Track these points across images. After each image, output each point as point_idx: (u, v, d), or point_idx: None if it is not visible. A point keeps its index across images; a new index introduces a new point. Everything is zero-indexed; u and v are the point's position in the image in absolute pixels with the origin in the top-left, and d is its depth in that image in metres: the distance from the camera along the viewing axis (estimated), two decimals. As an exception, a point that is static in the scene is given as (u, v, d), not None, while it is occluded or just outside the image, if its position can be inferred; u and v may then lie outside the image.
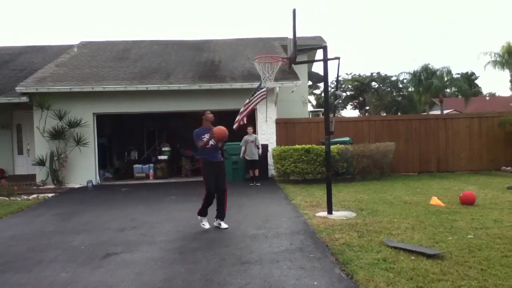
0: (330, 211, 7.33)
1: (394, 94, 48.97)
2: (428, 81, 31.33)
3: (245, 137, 12.26)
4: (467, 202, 7.77)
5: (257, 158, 12.21)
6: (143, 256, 5.33)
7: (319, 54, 17.45)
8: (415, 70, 32.67)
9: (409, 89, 39.89)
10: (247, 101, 11.91)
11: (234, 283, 4.26)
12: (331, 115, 7.56)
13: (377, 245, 5.30)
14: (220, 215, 6.80)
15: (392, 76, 47.78)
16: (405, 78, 36.52)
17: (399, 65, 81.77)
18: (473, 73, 46.00)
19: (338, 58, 7.17)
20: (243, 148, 12.23)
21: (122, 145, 16.71)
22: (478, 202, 7.91)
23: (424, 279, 4.06)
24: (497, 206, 7.60)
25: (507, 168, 13.58)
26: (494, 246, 5.08)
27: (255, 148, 12.13)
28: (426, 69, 32.23)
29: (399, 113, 40.05)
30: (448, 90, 39.00)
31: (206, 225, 6.76)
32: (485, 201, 8.15)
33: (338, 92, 7.02)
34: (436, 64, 62.71)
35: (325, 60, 7.14)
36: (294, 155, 11.79)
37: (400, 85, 46.19)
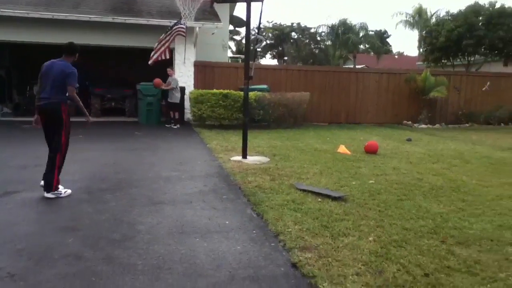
0: (244, 156, 7.43)
1: (312, 46, 49.85)
2: (346, 36, 32.29)
3: (169, 78, 11.99)
4: (371, 151, 8.34)
5: (176, 101, 12.02)
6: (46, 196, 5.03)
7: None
8: (333, 23, 33.43)
9: (327, 43, 40.86)
10: (162, 36, 11.33)
11: (145, 222, 4.20)
12: (251, 61, 7.48)
13: (287, 187, 5.52)
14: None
15: (311, 28, 48.43)
16: (323, 31, 37.22)
17: (318, 17, 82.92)
18: (385, 31, 48.13)
19: (261, 0, 7.02)
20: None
21: (24, 78, 15.23)
22: (380, 151, 8.52)
23: (328, 219, 4.32)
24: (397, 156, 8.25)
25: (408, 122, 14.74)
26: (392, 191, 5.54)
27: (176, 91, 11.93)
28: (344, 24, 33.08)
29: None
30: (361, 46, 40.63)
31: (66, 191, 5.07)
32: (387, 151, 8.80)
33: (259, 36, 6.92)
34: (354, 19, 64.39)
35: (248, 1, 6.95)
36: (211, 99, 11.65)
37: (318, 38, 47.07)
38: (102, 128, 11.60)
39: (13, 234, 3.81)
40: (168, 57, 11.64)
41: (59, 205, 4.71)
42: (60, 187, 5.06)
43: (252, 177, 6.03)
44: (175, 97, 11.97)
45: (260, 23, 7.90)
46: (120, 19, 12.46)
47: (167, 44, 11.26)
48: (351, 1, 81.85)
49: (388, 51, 50.26)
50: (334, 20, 35.99)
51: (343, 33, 32.98)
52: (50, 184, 4.95)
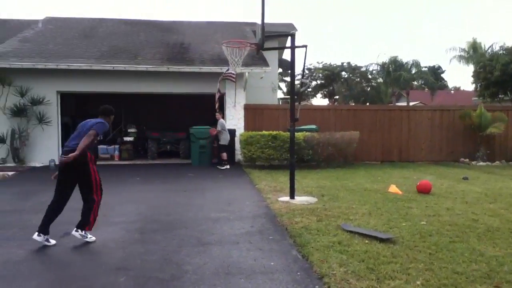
0: (292, 196, 7.48)
1: (364, 84, 49.67)
2: (397, 73, 32.00)
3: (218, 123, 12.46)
4: (424, 190, 8.09)
5: (225, 143, 12.44)
6: (103, 236, 5.32)
7: (290, 41, 17.42)
8: (384, 61, 33.30)
9: (378, 81, 40.60)
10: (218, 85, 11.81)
11: (193, 263, 4.34)
12: (296, 103, 7.66)
13: (334, 229, 5.48)
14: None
15: (362, 67, 48.43)
16: (374, 70, 37.11)
17: (369, 56, 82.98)
18: (439, 67, 47.19)
19: (305, 46, 7.26)
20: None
21: (87, 125, 16.35)
22: (434, 191, 8.24)
23: (375, 261, 4.24)
24: (451, 196, 7.94)
25: (465, 160, 14.14)
26: (444, 232, 5.34)
27: (221, 134, 12.36)
28: (394, 62, 32.88)
29: (367, 104, 40.78)
30: (415, 82, 39.98)
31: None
32: (441, 190, 8.49)
33: (304, 79, 7.13)
34: (405, 57, 63.87)
35: (293, 47, 7.21)
36: (261, 140, 11.90)
37: (370, 76, 46.92)
38: (158, 170, 12.13)
39: (71, 274, 4.07)
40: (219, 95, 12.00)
41: (114, 246, 4.96)
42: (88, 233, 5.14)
43: (299, 218, 6.05)
44: (224, 139, 12.42)
45: (304, 65, 8.13)
46: (174, 68, 13.24)
47: (218, 90, 11.68)
48: (401, 39, 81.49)
49: (444, 86, 49.03)
50: (385, 58, 35.72)
51: (394, 71, 32.72)
52: (86, 224, 5.08)
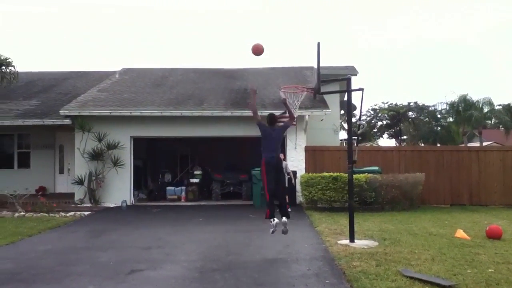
0: (352, 239, 7.39)
1: (433, 124, 47.99)
2: (468, 113, 30.61)
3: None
4: (493, 236, 7.63)
5: (285, 185, 12.39)
6: (165, 274, 5.60)
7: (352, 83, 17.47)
8: (453, 101, 32.08)
9: (449, 120, 39.04)
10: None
11: (247, 303, 4.44)
12: (354, 145, 7.70)
13: (393, 274, 5.34)
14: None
15: (430, 106, 46.94)
16: (443, 109, 35.76)
17: (438, 94, 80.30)
18: (515, 104, 44.58)
19: (362, 89, 7.38)
20: None
21: (157, 167, 17.31)
22: (505, 236, 7.75)
23: (433, 309, 4.10)
24: (526, 242, 7.41)
25: (544, 204, 13.10)
26: (513, 281, 5.03)
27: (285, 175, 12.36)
28: (464, 100, 31.57)
29: (438, 144, 39.16)
30: (489, 121, 37.95)
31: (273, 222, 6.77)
32: (514, 236, 7.96)
33: (360, 122, 7.21)
34: (475, 95, 60.73)
35: (349, 91, 7.36)
36: (321, 182, 11.88)
37: (439, 116, 45.30)
38: (220, 210, 12.47)
39: (134, 308, 4.33)
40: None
41: (175, 283, 5.19)
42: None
43: (357, 262, 5.96)
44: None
45: (361, 109, 8.21)
46: (237, 113, 13.82)
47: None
48: (471, 76, 78.33)
49: (520, 125, 46.03)
50: (454, 97, 34.26)
51: (465, 110, 31.37)
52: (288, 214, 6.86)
